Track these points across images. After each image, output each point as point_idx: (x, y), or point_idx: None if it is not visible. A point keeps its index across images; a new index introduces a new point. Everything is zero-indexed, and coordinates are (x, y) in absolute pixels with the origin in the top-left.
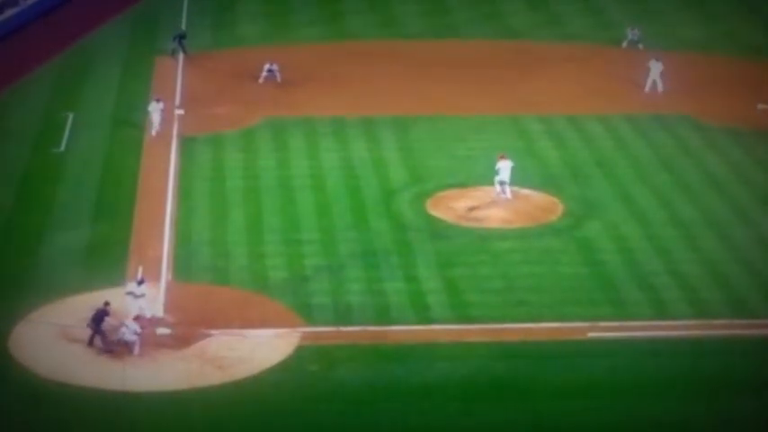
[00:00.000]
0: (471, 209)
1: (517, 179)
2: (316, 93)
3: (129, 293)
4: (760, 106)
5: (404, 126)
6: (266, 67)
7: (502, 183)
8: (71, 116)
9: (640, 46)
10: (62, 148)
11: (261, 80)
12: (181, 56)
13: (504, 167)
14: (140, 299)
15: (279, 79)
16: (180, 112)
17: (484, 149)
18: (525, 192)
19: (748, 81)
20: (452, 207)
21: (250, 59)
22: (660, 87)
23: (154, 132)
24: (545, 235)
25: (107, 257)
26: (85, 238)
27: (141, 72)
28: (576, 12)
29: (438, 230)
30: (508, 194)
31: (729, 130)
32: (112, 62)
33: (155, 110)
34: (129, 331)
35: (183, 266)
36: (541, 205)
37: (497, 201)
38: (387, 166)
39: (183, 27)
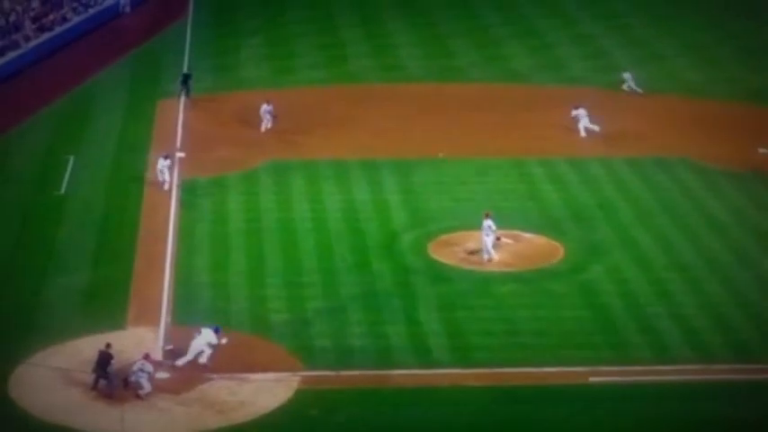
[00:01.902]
0: (473, 252)
1: (519, 223)
2: (318, 136)
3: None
4: (761, 150)
5: (406, 169)
6: (264, 108)
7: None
8: (72, 159)
9: (639, 90)
10: (63, 190)
11: (263, 128)
12: (182, 97)
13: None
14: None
15: (270, 124)
16: (181, 154)
17: (486, 192)
18: (527, 235)
19: (749, 125)
20: (454, 250)
21: (253, 102)
22: (583, 133)
23: (165, 188)
24: (546, 278)
25: (108, 300)
26: (86, 280)
27: (143, 115)
28: (578, 55)
29: (440, 273)
30: (493, 254)
31: (730, 173)
32: (114, 105)
33: (163, 166)
34: (145, 374)
35: (184, 309)
36: (543, 249)
37: (498, 244)
38: (389, 209)
39: (188, 68)
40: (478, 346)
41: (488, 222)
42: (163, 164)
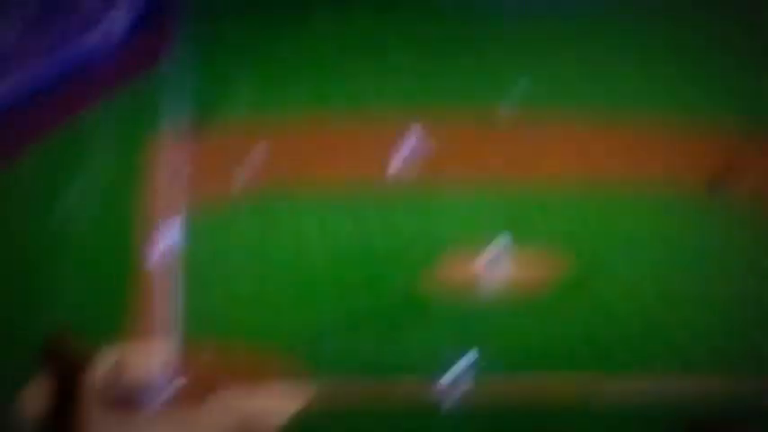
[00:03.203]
0: (481, 273)
1: (525, 241)
2: (322, 166)
3: None
4: None
5: (413, 194)
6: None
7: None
8: (70, 193)
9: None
10: (59, 224)
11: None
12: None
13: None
14: None
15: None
16: (182, 185)
17: (492, 214)
18: (532, 254)
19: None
20: (462, 273)
21: (253, 134)
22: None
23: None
24: (554, 297)
25: (107, 336)
26: (85, 316)
27: (140, 146)
28: (585, 82)
29: (448, 294)
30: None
31: (736, 204)
32: (107, 141)
33: (168, 245)
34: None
35: (194, 329)
36: (549, 267)
37: (506, 265)
38: (396, 235)
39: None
40: (486, 363)
41: (498, 244)
42: (168, 240)
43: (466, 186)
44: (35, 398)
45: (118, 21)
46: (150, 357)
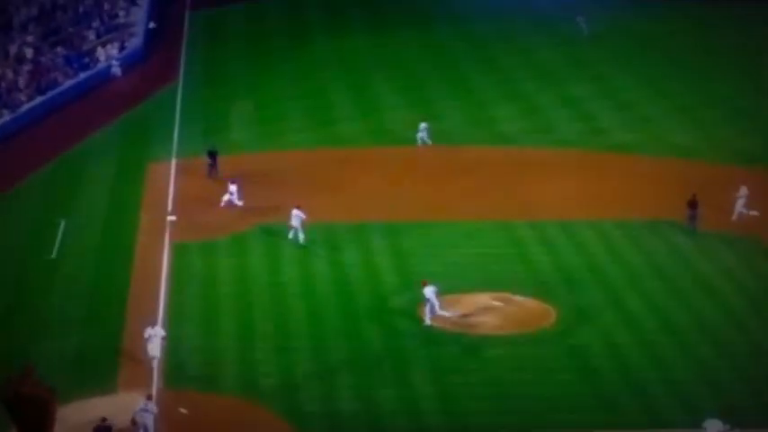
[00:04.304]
0: (464, 315)
1: (509, 286)
2: (307, 199)
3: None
4: (752, 212)
5: (395, 232)
6: (295, 212)
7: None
8: (63, 223)
9: (429, 141)
10: (54, 254)
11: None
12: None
13: (430, 292)
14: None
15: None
16: (172, 218)
17: (476, 256)
18: (518, 299)
19: (738, 187)
20: (444, 313)
21: (242, 166)
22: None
23: (155, 365)
24: (538, 342)
25: (98, 365)
26: (77, 345)
27: (133, 178)
28: (566, 118)
29: (430, 337)
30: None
31: (721, 235)
32: (105, 169)
33: (154, 335)
34: (149, 414)
35: (174, 374)
36: (534, 312)
37: (489, 307)
38: (378, 273)
39: (213, 145)
40: (470, 410)
41: (429, 289)
42: (150, 332)
43: (449, 230)
44: None
45: (115, 54)
46: (130, 411)
